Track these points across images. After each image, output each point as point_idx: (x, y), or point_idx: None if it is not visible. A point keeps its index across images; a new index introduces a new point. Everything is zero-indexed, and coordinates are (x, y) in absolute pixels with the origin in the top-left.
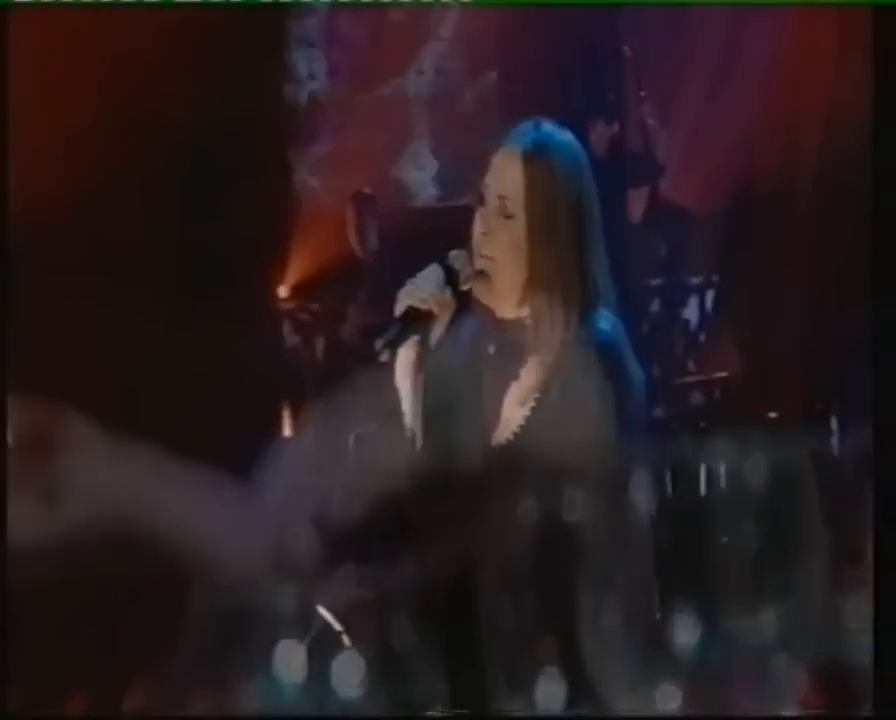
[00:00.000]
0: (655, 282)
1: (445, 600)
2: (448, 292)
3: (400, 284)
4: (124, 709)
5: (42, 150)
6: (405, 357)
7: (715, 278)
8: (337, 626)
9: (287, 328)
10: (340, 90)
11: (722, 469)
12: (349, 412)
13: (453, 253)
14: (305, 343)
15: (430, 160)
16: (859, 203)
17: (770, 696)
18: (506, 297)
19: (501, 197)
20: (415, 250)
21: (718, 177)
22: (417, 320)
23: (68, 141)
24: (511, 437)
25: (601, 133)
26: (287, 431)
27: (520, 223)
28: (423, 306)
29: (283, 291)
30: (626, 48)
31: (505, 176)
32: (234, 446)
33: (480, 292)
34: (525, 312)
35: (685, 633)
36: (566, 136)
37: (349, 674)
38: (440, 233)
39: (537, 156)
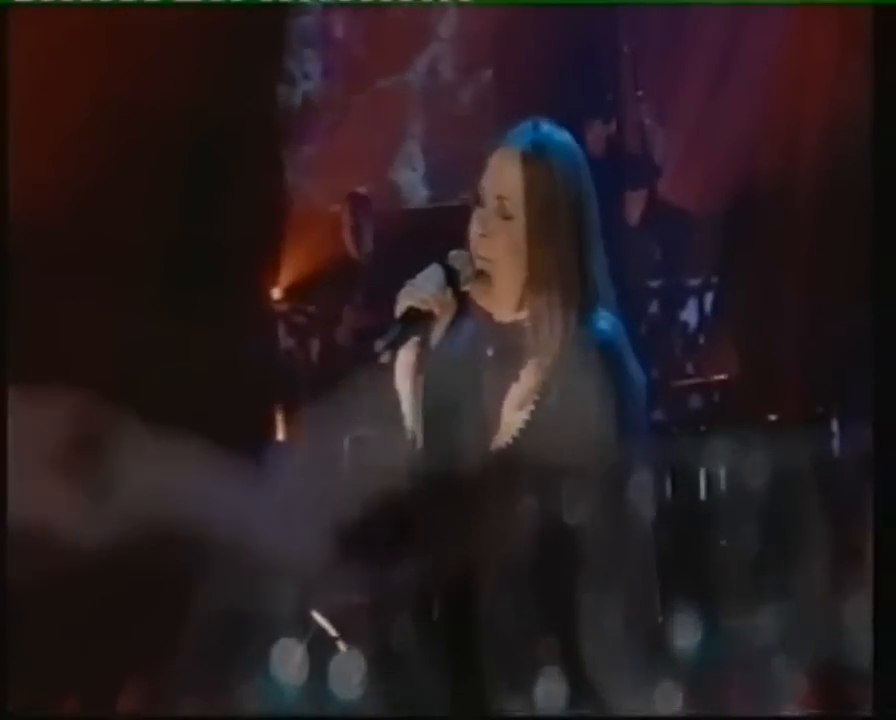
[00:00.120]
0: (653, 284)
1: (445, 603)
2: (449, 292)
3: (396, 286)
4: (124, 709)
5: (42, 150)
6: (405, 359)
7: (714, 280)
8: (332, 632)
9: (282, 330)
10: (335, 90)
11: (722, 472)
12: (344, 415)
13: (453, 253)
14: (300, 346)
15: (425, 161)
16: (859, 203)
17: (770, 696)
18: (505, 300)
19: (500, 197)
20: (411, 251)
21: (717, 178)
22: (417, 321)
23: (68, 141)
24: (511, 441)
25: (598, 133)
26: (281, 435)
27: (519, 223)
28: (424, 307)
29: (277, 293)
30: (624, 47)
31: (504, 177)
32: (228, 450)
33: (478, 295)
34: (523, 315)
35: (686, 634)
36: (564, 136)
37: (348, 675)
38: (436, 234)
39: (536, 156)
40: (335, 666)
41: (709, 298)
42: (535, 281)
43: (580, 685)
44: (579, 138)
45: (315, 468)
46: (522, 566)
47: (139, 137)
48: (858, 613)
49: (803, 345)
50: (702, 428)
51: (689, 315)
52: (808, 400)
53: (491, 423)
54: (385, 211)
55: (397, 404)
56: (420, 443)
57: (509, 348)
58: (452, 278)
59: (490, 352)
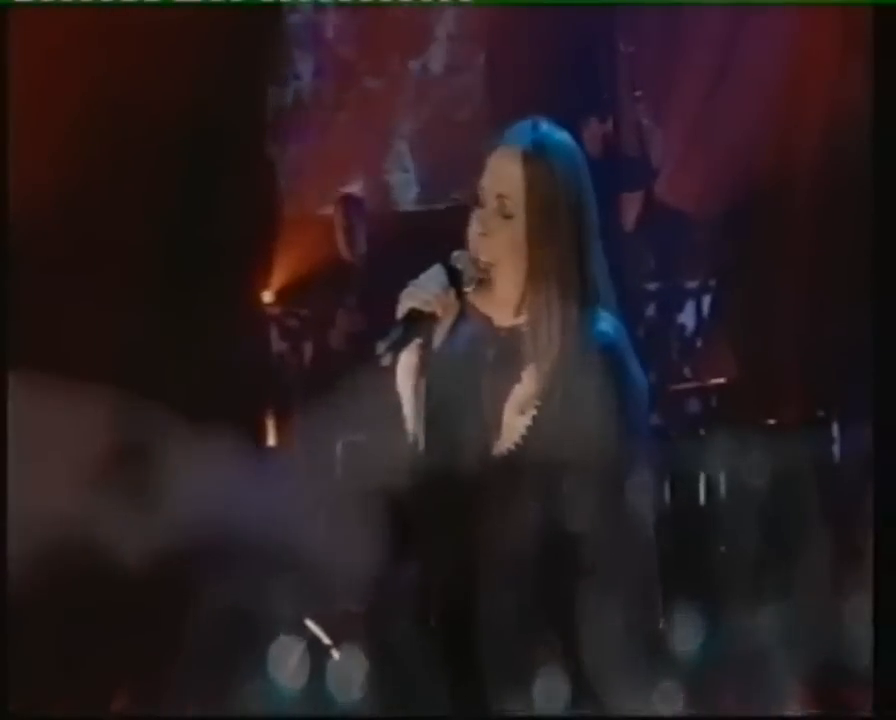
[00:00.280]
0: (650, 286)
1: (447, 604)
2: (452, 293)
3: (390, 288)
4: (125, 709)
5: (42, 150)
6: (407, 361)
7: (712, 282)
8: (326, 640)
9: (274, 334)
10: (326, 90)
11: (722, 477)
12: (339, 419)
13: (455, 253)
14: (293, 349)
15: (419, 161)
16: (859, 204)
17: (770, 696)
18: (504, 304)
19: (500, 196)
20: (404, 253)
21: (715, 179)
22: (420, 322)
23: (66, 141)
24: (513, 447)
25: (594, 131)
26: (274, 440)
27: (520, 223)
28: (426, 308)
29: (269, 296)
30: (621, 47)
31: (504, 176)
32: (220, 452)
33: (477, 299)
34: (523, 319)
35: (686, 634)
36: (564, 136)
37: (346, 676)
38: (430, 236)
39: (537, 156)
40: (335, 668)
41: (707, 301)
42: (535, 280)
43: (581, 686)
44: (576, 137)
45: (307, 472)
46: (524, 569)
47: (133, 138)
48: (858, 613)
49: (802, 347)
50: (701, 432)
51: (687, 318)
52: (808, 403)
53: (493, 427)
54: (378, 212)
55: (398, 407)
56: (422, 446)
57: (510, 351)
58: (455, 279)
59: (491, 355)
